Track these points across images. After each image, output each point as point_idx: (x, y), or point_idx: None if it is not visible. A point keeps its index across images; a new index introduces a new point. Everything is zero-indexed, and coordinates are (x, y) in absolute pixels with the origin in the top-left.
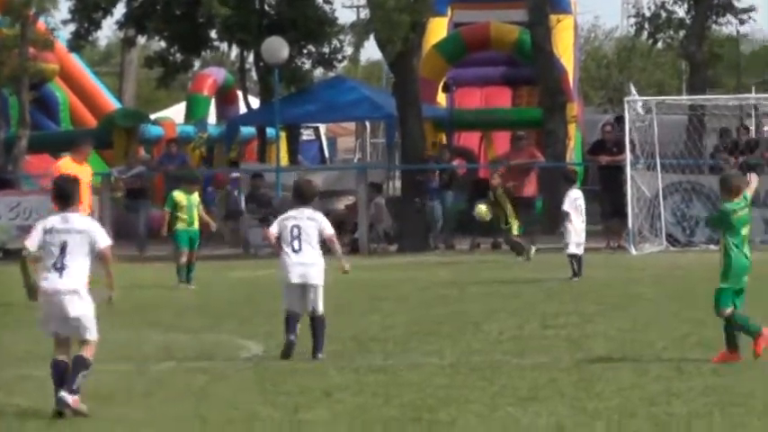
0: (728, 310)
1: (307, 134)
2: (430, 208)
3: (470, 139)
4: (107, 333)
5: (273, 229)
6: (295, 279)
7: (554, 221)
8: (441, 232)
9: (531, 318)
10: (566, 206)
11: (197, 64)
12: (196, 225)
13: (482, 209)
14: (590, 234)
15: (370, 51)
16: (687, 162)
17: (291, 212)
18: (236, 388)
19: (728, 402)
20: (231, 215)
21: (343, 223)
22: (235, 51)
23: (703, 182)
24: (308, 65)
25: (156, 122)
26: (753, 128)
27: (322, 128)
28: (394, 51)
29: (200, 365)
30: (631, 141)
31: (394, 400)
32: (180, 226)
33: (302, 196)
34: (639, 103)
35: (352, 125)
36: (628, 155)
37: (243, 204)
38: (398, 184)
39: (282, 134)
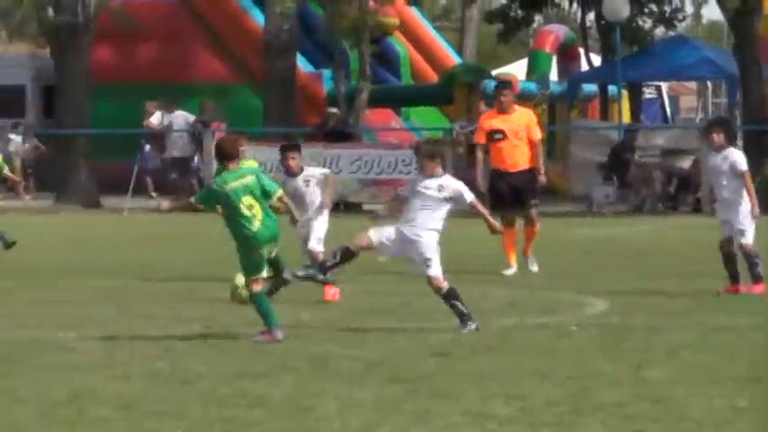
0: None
1: (648, 92)
2: None
3: None
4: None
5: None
6: None
7: None
8: None
9: None
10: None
11: (538, 20)
12: None
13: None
14: None
15: (711, 11)
16: None
17: None
18: (579, 345)
19: None
20: None
21: (685, 182)
22: (575, 9)
23: None
24: (648, 24)
25: (497, 78)
26: None
27: (664, 86)
28: (732, 8)
29: (541, 321)
30: None
31: None
32: None
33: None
34: None
35: (693, 85)
36: None
37: None
38: (740, 143)
39: (624, 92)
